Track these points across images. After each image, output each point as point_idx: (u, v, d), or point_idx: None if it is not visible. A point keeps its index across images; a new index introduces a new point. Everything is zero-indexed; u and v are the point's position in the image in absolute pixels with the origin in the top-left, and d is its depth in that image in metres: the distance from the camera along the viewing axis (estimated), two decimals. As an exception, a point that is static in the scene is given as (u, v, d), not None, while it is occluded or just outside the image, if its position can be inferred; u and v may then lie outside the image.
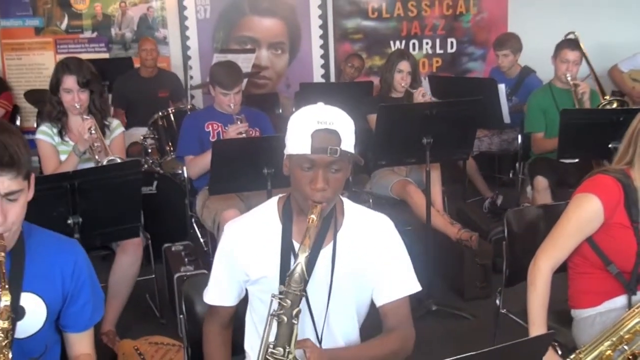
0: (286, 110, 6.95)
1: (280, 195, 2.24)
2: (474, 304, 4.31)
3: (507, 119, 5.60)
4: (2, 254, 1.83)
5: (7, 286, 1.81)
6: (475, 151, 5.87)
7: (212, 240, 4.41)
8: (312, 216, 1.95)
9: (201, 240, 4.77)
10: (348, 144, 2.00)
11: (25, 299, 1.99)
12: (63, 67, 4.00)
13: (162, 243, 4.37)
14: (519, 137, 5.60)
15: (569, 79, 4.70)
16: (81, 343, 2.15)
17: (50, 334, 2.10)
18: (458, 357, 1.40)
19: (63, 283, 2.06)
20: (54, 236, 2.15)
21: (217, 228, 4.12)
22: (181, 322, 2.49)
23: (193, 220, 4.79)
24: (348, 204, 2.22)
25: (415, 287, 2.23)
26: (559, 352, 2.61)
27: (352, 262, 2.14)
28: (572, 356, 2.50)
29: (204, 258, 4.41)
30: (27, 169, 1.89)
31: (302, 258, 1.91)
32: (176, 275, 4.05)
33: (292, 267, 1.94)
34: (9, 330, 1.82)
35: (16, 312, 1.94)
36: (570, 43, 4.84)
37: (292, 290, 1.90)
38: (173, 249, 4.32)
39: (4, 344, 1.80)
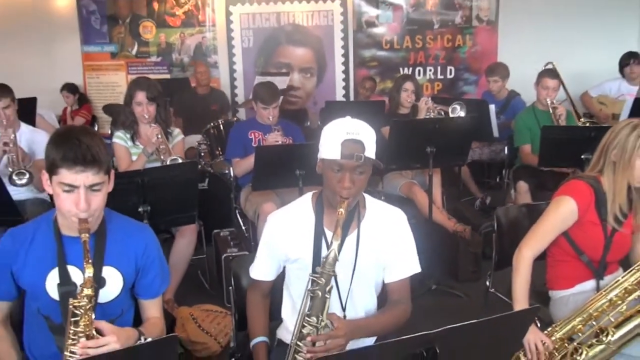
0: (313, 123, 6.96)
1: (313, 191, 2.24)
2: (466, 285, 4.29)
3: (496, 133, 5.58)
4: (87, 234, 1.85)
5: (90, 261, 1.83)
6: (468, 159, 5.87)
7: (252, 228, 4.42)
8: (341, 209, 1.96)
9: (243, 227, 4.77)
10: (371, 151, 2.02)
11: (106, 272, 2.02)
12: (136, 85, 4.05)
13: (212, 229, 4.37)
14: (506, 148, 5.57)
15: (549, 102, 4.67)
16: (151, 308, 2.17)
17: (125, 300, 2.12)
18: (464, 323, 1.40)
19: (136, 259, 2.08)
20: (130, 221, 2.18)
21: (257, 217, 4.12)
22: (230, 292, 2.48)
23: (237, 211, 4.79)
24: (369, 199, 2.23)
25: (417, 269, 2.24)
26: (539, 325, 2.59)
27: (373, 247, 2.14)
28: (549, 329, 2.51)
29: (245, 242, 4.43)
30: (107, 166, 1.92)
31: (335, 245, 1.93)
32: (223, 256, 4.07)
33: (326, 253, 1.95)
34: (92, 297, 1.84)
35: (98, 282, 1.97)
36: (550, 72, 4.80)
37: (326, 271, 1.93)
38: (221, 234, 4.34)
39: (88, 307, 1.82)
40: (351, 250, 2.10)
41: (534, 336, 2.44)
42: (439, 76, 7.51)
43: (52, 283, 1.97)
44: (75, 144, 1.84)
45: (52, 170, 1.87)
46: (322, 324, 1.91)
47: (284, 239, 2.16)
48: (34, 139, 4.12)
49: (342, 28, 7.48)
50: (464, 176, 5.86)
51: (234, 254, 4.04)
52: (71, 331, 1.83)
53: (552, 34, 7.10)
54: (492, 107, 5.50)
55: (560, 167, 4.28)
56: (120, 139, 4.05)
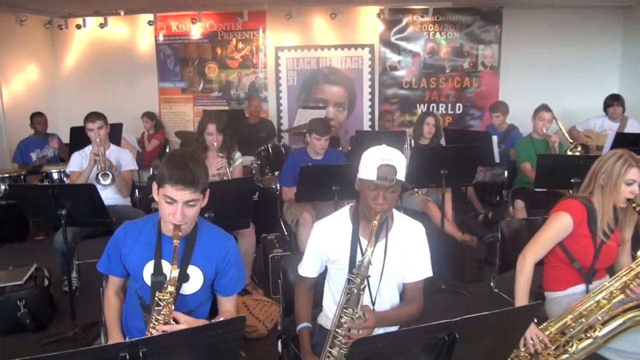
0: (344, 148, 6.93)
1: (350, 204, 2.24)
2: (471, 285, 4.23)
3: (497, 159, 5.52)
4: (178, 241, 1.88)
5: (177, 264, 1.86)
6: (474, 181, 5.82)
7: (293, 233, 4.43)
8: (374, 222, 1.96)
9: (285, 232, 4.79)
10: (401, 174, 2.01)
11: (191, 270, 2.03)
12: (208, 118, 4.05)
13: (261, 233, 4.36)
14: (505, 172, 5.50)
15: (545, 131, 4.62)
16: (226, 303, 2.15)
17: (204, 294, 2.12)
18: (480, 313, 1.38)
19: (217, 263, 2.08)
20: (218, 230, 2.17)
21: (296, 224, 4.12)
22: (278, 285, 2.48)
23: (281, 219, 4.80)
24: (396, 213, 2.22)
25: (430, 273, 2.22)
26: (535, 321, 2.54)
27: (398, 253, 2.13)
28: (544, 324, 2.47)
29: (287, 244, 4.42)
30: (203, 187, 1.94)
31: (369, 252, 1.92)
32: (270, 255, 4.07)
33: (362, 258, 1.94)
34: (173, 293, 1.87)
35: (183, 278, 2.00)
36: (546, 107, 4.74)
37: (361, 273, 1.92)
38: (268, 237, 4.35)
39: (170, 300, 1.85)
40: (380, 255, 2.09)
41: (530, 330, 2.39)
42: (450, 111, 7.45)
43: (148, 271, 2.01)
44: (182, 167, 1.88)
45: (160, 183, 1.92)
46: (357, 315, 1.90)
47: (326, 243, 2.16)
48: (120, 156, 4.21)
49: (369, 71, 7.50)
50: (470, 195, 5.81)
51: (279, 254, 4.04)
52: (154, 317, 1.86)
53: (545, 78, 7.05)
54: (494, 138, 5.45)
55: (553, 189, 4.20)
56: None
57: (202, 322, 1.96)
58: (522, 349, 2.51)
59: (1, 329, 3.54)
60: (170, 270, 1.87)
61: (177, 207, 1.88)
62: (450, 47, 7.30)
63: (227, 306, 2.14)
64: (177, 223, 1.89)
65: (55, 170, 5.47)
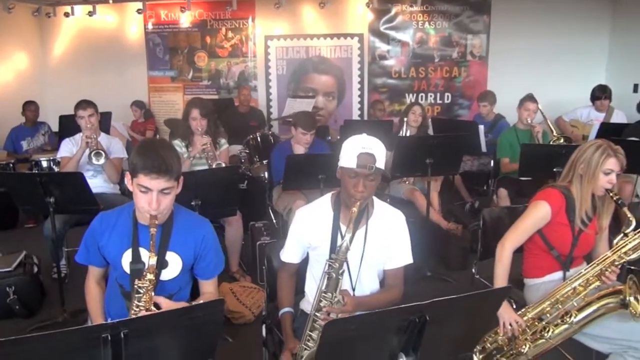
0: (333, 137, 6.94)
1: (332, 192, 2.27)
2: (456, 273, 4.29)
3: (484, 149, 5.55)
4: (154, 229, 1.90)
5: (154, 251, 1.89)
6: (461, 170, 5.87)
7: (282, 221, 4.45)
8: (354, 209, 1.99)
9: (273, 220, 4.83)
10: (381, 163, 2.05)
11: (169, 256, 2.06)
12: (192, 103, 4.10)
13: (249, 221, 4.40)
14: (492, 162, 5.56)
15: (529, 122, 4.66)
16: (207, 286, 2.18)
17: (183, 279, 2.14)
18: (450, 296, 1.43)
19: (195, 247, 2.10)
20: (194, 215, 2.20)
21: (288, 212, 4.14)
22: (263, 271, 2.52)
23: (269, 207, 4.84)
24: (376, 200, 2.25)
25: (410, 260, 2.26)
26: (514, 307, 2.59)
27: (377, 240, 2.17)
28: (522, 310, 2.51)
29: (275, 232, 4.46)
30: (177, 174, 1.95)
31: (347, 237, 1.96)
32: (258, 243, 4.11)
33: (340, 242, 1.98)
34: (153, 280, 1.90)
35: (162, 264, 2.02)
36: (531, 97, 4.79)
37: (340, 258, 1.96)
38: (256, 225, 4.37)
39: (149, 287, 1.88)
40: (360, 241, 2.13)
41: (508, 315, 2.45)
42: (438, 101, 7.49)
43: (126, 260, 2.03)
44: (154, 156, 1.89)
45: (133, 173, 1.92)
46: (335, 299, 1.94)
47: (307, 229, 2.20)
48: (110, 144, 4.23)
49: (359, 60, 7.50)
50: (457, 184, 5.85)
51: (266, 241, 4.08)
52: (134, 304, 1.89)
53: (532, 68, 7.07)
54: (481, 127, 5.48)
55: (536, 178, 4.26)
56: (177, 146, 4.09)
57: (183, 304, 1.99)
58: (500, 334, 2.58)
59: (-9, 315, 3.58)
60: (148, 257, 1.89)
61: (152, 195, 1.90)
62: (439, 37, 7.32)
63: (208, 288, 2.17)
64: (153, 213, 1.90)
65: (44, 159, 5.47)
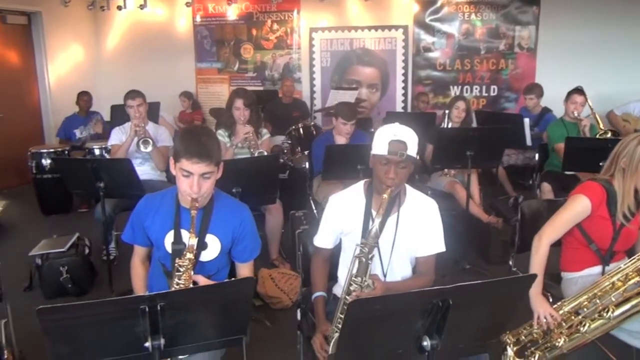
0: (376, 129, 6.99)
1: (365, 180, 2.31)
2: (495, 267, 4.24)
3: (529, 142, 5.46)
4: (195, 211, 1.99)
5: (194, 232, 1.98)
6: (505, 164, 5.79)
7: (321, 210, 4.49)
8: (385, 195, 2.03)
9: (314, 210, 4.89)
10: (412, 151, 2.06)
11: (209, 238, 2.14)
12: (235, 94, 4.20)
13: (290, 210, 4.45)
14: (536, 155, 5.45)
15: (576, 115, 4.56)
16: (244, 269, 2.27)
17: (222, 261, 2.22)
18: (475, 282, 1.45)
19: (233, 231, 2.18)
20: (233, 201, 2.29)
21: (327, 202, 4.19)
22: (298, 258, 2.59)
23: (310, 197, 4.90)
24: (409, 188, 2.26)
25: (442, 248, 2.26)
26: (551, 300, 2.57)
27: (409, 227, 2.19)
28: (558, 303, 2.49)
29: (315, 221, 4.51)
30: (217, 160, 2.04)
31: (376, 222, 1.99)
32: (297, 231, 4.16)
33: (370, 227, 2.02)
34: (192, 260, 1.99)
35: (202, 246, 2.11)
36: (579, 90, 4.67)
37: (369, 242, 1.99)
38: (296, 214, 4.41)
39: (189, 266, 1.97)
40: (392, 228, 2.16)
41: (544, 309, 2.43)
42: (484, 94, 7.37)
43: (168, 240, 2.13)
44: (196, 142, 1.99)
45: (176, 157, 2.02)
46: (365, 283, 1.98)
47: (340, 215, 2.24)
48: (157, 132, 4.39)
49: (403, 52, 7.46)
50: (501, 177, 5.75)
51: (305, 230, 4.14)
52: (175, 281, 1.99)
53: (582, 61, 6.86)
54: (526, 120, 5.38)
55: (581, 172, 4.17)
56: (221, 135, 4.20)
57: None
58: (535, 327, 2.56)
59: (46, 292, 3.79)
60: (188, 238, 1.99)
61: (194, 179, 1.98)
62: (485, 28, 7.19)
63: (244, 271, 2.25)
64: (194, 196, 1.99)
65: (97, 147, 5.72)
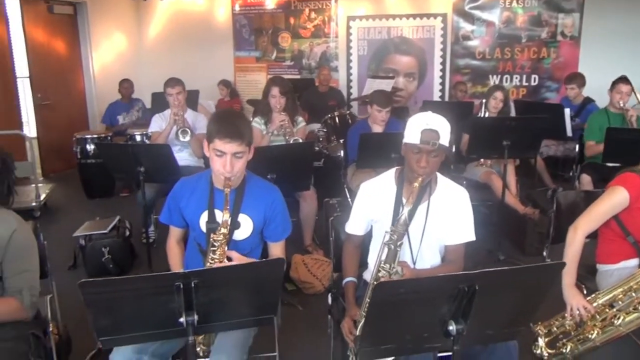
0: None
1: (396, 167, 2.32)
2: (530, 258, 4.18)
3: (569, 133, 5.35)
4: (228, 189, 2.07)
5: (228, 209, 2.05)
6: (544, 155, 5.68)
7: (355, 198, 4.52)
8: (416, 184, 2.04)
9: (348, 198, 4.91)
10: (444, 140, 2.06)
11: (241, 217, 2.22)
12: (272, 82, 4.25)
13: (325, 198, 4.44)
14: (577, 147, 5.33)
15: (621, 105, 4.44)
16: (275, 249, 2.32)
17: (254, 241, 2.29)
18: (501, 268, 1.45)
19: (265, 210, 2.25)
20: (265, 182, 2.36)
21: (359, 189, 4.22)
22: (331, 244, 2.62)
23: (344, 185, 4.93)
24: (440, 176, 2.26)
25: (472, 237, 2.25)
26: (585, 292, 2.54)
27: (439, 216, 2.19)
28: (592, 295, 2.45)
29: (348, 209, 4.53)
30: (248, 140, 2.12)
31: (406, 210, 2.02)
32: (330, 219, 4.19)
33: (399, 215, 2.04)
34: (226, 235, 2.06)
35: (234, 225, 2.18)
36: (624, 79, 4.54)
37: (398, 229, 2.01)
38: (330, 202, 4.45)
39: (223, 241, 2.05)
40: (422, 217, 2.17)
41: (577, 301, 2.40)
42: (524, 83, 7.23)
43: (203, 220, 2.21)
44: (227, 123, 2.09)
45: (210, 139, 2.11)
46: (394, 270, 2.00)
47: (371, 203, 2.27)
48: (196, 120, 4.49)
49: (441, 40, 7.39)
50: (539, 169, 5.64)
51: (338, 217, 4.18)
52: (210, 257, 2.07)
53: (628, 49, 6.65)
54: (567, 111, 5.27)
55: (622, 163, 4.06)
56: (257, 123, 4.28)
57: (253, 260, 2.15)
58: (568, 319, 2.53)
59: (89, 271, 3.96)
60: (222, 215, 2.06)
61: (227, 159, 2.06)
62: (527, 16, 7.04)
63: (276, 251, 2.31)
64: (227, 175, 2.07)
65: (138, 133, 5.89)
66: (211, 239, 2.06)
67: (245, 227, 2.23)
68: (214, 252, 2.05)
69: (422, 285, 1.44)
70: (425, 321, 1.50)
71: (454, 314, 1.48)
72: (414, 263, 2.20)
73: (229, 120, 2.11)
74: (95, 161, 5.84)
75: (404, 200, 2.16)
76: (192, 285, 1.44)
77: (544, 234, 4.31)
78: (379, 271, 2.03)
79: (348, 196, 4.90)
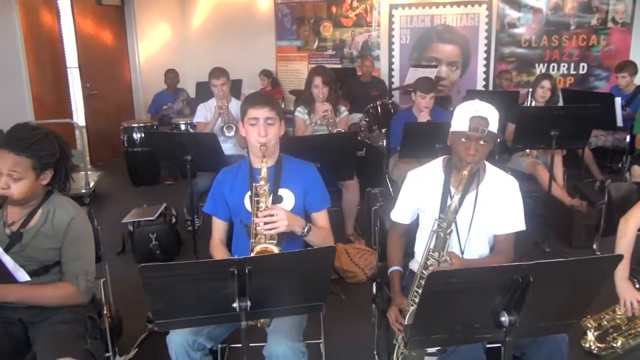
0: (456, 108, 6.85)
1: (444, 156, 2.31)
2: (579, 251, 4.08)
3: (620, 123, 5.17)
4: (265, 147, 2.20)
5: (265, 160, 2.18)
6: (593, 145, 5.52)
7: (397, 189, 4.50)
8: (465, 172, 2.02)
9: (390, 188, 4.89)
10: (493, 127, 2.05)
11: (282, 192, 2.32)
12: (314, 71, 4.26)
13: (367, 187, 4.48)
14: (628, 137, 5.15)
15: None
16: (319, 219, 2.38)
17: (298, 213, 2.30)
18: (556, 259, 1.43)
19: (303, 183, 2.34)
20: (299, 160, 2.45)
21: (404, 180, 4.19)
22: (375, 234, 2.63)
23: (386, 175, 4.91)
24: (489, 165, 2.25)
25: (522, 227, 2.22)
26: (637, 287, 2.47)
27: (488, 205, 2.17)
28: (646, 289, 2.40)
29: (390, 199, 4.51)
30: (278, 110, 2.28)
31: (456, 198, 2.01)
32: (373, 208, 4.21)
33: (449, 203, 2.03)
34: (267, 181, 2.16)
35: (277, 200, 2.28)
36: (679, 67, 4.38)
37: (448, 217, 2.01)
38: (372, 191, 4.46)
39: (265, 188, 2.14)
40: (470, 205, 2.15)
41: (630, 294, 2.36)
42: (572, 72, 7.01)
43: (247, 200, 2.30)
44: (257, 95, 2.36)
45: (243, 114, 2.29)
46: (442, 259, 2.00)
47: (418, 191, 2.27)
48: (240, 109, 4.53)
49: (486, 28, 7.21)
50: (587, 160, 5.50)
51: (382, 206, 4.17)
52: (256, 207, 2.15)
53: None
54: (617, 100, 5.09)
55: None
56: (300, 112, 4.30)
57: (299, 219, 2.23)
58: (620, 312, 2.48)
59: (137, 256, 4.08)
60: (261, 166, 2.18)
61: (260, 125, 2.21)
62: (576, 2, 6.81)
63: (320, 221, 2.38)
64: (262, 141, 2.19)
65: (182, 122, 6.01)
66: (254, 187, 2.15)
67: (288, 201, 2.31)
68: (258, 202, 2.14)
69: (475, 276, 1.43)
70: (476, 311, 1.50)
71: (507, 305, 1.47)
72: (462, 253, 2.18)
73: (257, 94, 2.46)
74: (142, 149, 6.01)
75: (452, 189, 2.16)
76: (246, 271, 1.48)
77: (592, 227, 4.21)
78: (427, 260, 2.03)
79: (390, 186, 4.89)
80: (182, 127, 5.98)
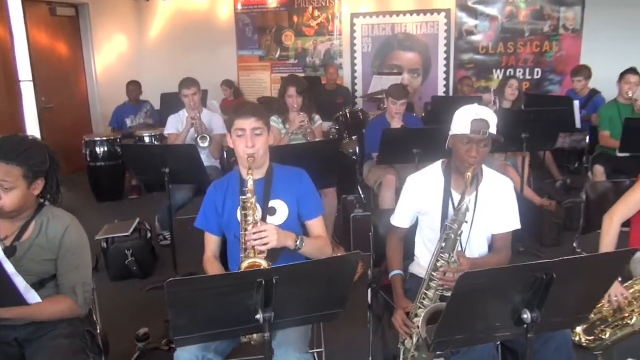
0: (418, 115, 6.98)
1: (442, 160, 2.35)
2: (550, 249, 4.23)
3: (579, 125, 5.43)
4: (252, 159, 2.16)
5: (251, 173, 2.13)
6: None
7: (372, 195, 4.54)
8: (468, 174, 2.07)
9: (361, 195, 4.93)
10: (494, 129, 2.11)
11: (274, 203, 2.26)
12: (288, 81, 4.23)
13: (340, 195, 4.45)
14: (587, 138, 5.40)
15: (630, 95, 4.52)
16: (315, 227, 2.33)
17: (292, 225, 2.27)
18: (579, 256, 1.49)
19: (296, 191, 2.29)
20: (290, 168, 2.41)
21: (379, 186, 4.23)
22: (371, 238, 2.62)
23: (359, 182, 4.94)
24: (485, 168, 2.32)
25: (518, 225, 2.32)
26: (620, 280, 2.58)
27: (487, 205, 2.23)
28: (629, 282, 2.49)
29: (366, 206, 4.57)
30: (265, 121, 2.24)
31: (466, 199, 2.04)
32: (352, 215, 4.23)
33: (460, 204, 2.04)
34: (254, 198, 2.11)
35: (269, 211, 2.24)
36: (633, 70, 4.64)
37: (459, 219, 2.04)
38: (348, 198, 4.51)
39: (253, 200, 2.11)
40: (471, 207, 2.18)
41: (615, 288, 2.44)
42: (527, 77, 7.30)
43: (240, 214, 2.19)
44: (243, 104, 2.30)
45: (230, 126, 2.24)
46: (452, 260, 2.04)
47: (419, 195, 2.30)
48: (212, 120, 4.49)
49: (445, 36, 7.44)
50: (548, 162, 5.74)
51: (360, 214, 4.20)
52: (243, 223, 2.10)
53: (630, 42, 6.73)
54: (576, 103, 5.35)
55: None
56: (274, 122, 4.25)
57: (290, 233, 2.16)
58: (606, 306, 2.57)
59: (112, 274, 3.95)
60: (247, 179, 2.13)
61: (247, 135, 2.17)
62: (530, 10, 7.11)
63: (317, 229, 2.32)
64: (250, 152, 2.15)
65: (147, 134, 5.85)
66: (241, 202, 2.11)
67: (281, 212, 2.26)
68: (245, 216, 2.09)
69: (502, 275, 1.47)
70: (499, 310, 1.53)
71: (529, 302, 1.51)
72: (463, 253, 2.21)
73: (244, 103, 2.37)
74: (105, 164, 5.83)
75: (453, 192, 2.21)
76: (274, 281, 1.46)
77: (561, 225, 4.38)
78: (437, 261, 2.06)
79: (361, 193, 4.93)
80: (147, 139, 5.83)
